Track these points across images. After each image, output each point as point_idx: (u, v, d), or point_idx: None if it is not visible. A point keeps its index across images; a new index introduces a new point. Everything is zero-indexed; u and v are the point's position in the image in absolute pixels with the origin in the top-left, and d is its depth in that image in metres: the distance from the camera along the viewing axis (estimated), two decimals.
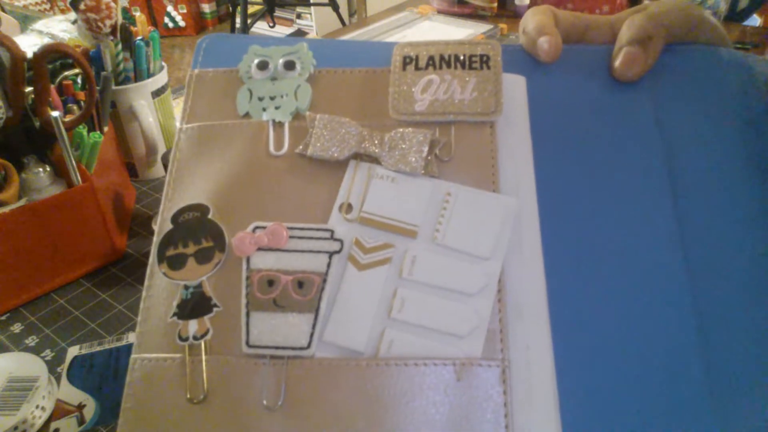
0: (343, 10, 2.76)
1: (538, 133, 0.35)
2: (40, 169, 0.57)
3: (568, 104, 0.36)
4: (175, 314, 0.31)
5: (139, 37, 0.72)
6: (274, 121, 0.35)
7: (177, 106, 0.89)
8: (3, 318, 0.56)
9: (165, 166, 0.72)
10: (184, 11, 3.28)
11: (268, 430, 0.28)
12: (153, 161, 0.78)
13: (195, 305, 0.31)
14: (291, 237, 0.32)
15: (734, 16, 1.29)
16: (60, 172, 0.59)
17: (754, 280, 0.32)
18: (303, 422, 0.28)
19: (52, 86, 0.60)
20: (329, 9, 2.49)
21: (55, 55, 0.66)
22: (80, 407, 0.46)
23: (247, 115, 0.36)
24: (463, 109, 0.34)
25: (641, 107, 0.35)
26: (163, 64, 0.77)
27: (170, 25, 3.31)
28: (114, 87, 0.70)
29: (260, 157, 0.34)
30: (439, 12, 1.35)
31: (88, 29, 0.67)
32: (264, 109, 0.35)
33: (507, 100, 0.34)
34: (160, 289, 0.32)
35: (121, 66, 0.72)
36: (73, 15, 0.72)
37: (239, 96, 0.36)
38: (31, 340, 0.54)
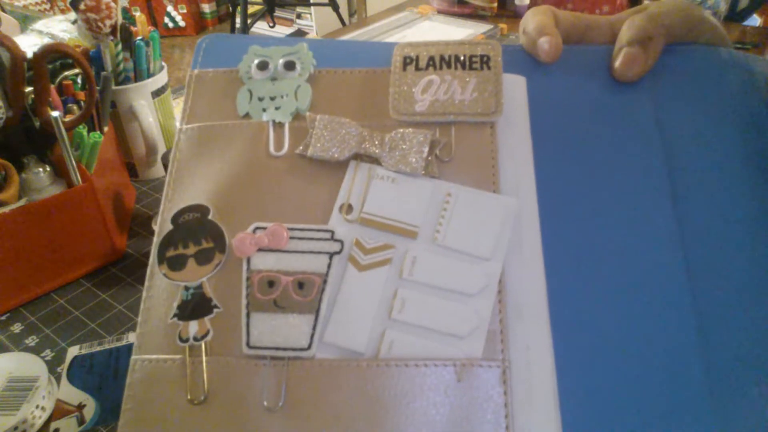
0: (343, 10, 2.76)
1: (538, 134, 0.35)
2: (40, 169, 0.57)
3: (569, 104, 0.36)
4: (175, 315, 0.31)
5: (139, 37, 0.72)
6: (274, 121, 0.35)
7: (177, 106, 0.89)
8: (3, 318, 0.56)
9: (165, 166, 0.72)
10: (184, 11, 3.28)
11: (268, 431, 0.28)
12: (153, 161, 0.78)
13: (195, 306, 0.31)
14: (291, 238, 0.32)
15: (734, 16, 1.29)
16: (60, 172, 0.59)
17: (754, 280, 0.32)
18: (303, 423, 0.28)
19: (52, 86, 0.60)
20: (329, 9, 2.49)
21: (55, 55, 0.66)
22: (80, 407, 0.46)
23: (247, 115, 0.36)
24: (463, 109, 0.34)
25: (641, 107, 0.35)
26: (163, 64, 0.77)
27: (170, 25, 3.31)
28: (114, 87, 0.70)
29: (260, 157, 0.34)
30: (439, 12, 1.35)
31: (88, 29, 0.67)
32: (264, 110, 0.35)
33: (507, 100, 0.34)
34: (160, 290, 0.32)
35: (121, 66, 0.72)
36: (73, 15, 0.72)
37: (239, 96, 0.36)
38: (31, 340, 0.54)
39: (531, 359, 0.30)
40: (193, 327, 0.30)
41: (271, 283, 0.31)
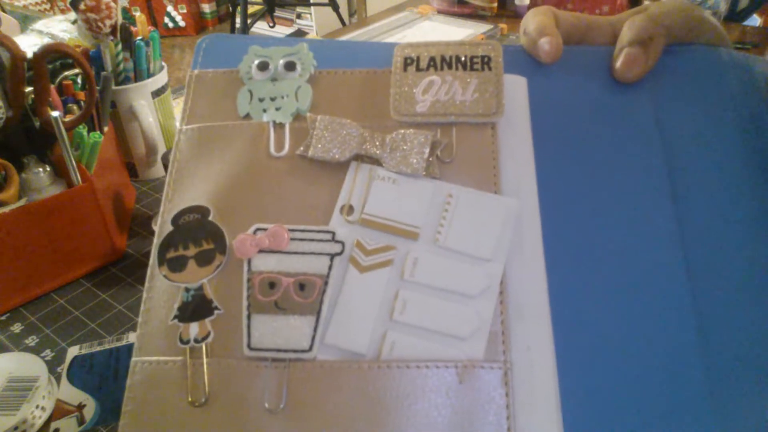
0: (343, 10, 2.76)
1: (538, 134, 0.35)
2: (40, 169, 0.57)
3: (569, 105, 0.36)
4: (175, 317, 0.31)
5: (139, 37, 0.72)
6: (274, 122, 0.35)
7: (177, 106, 0.89)
8: (3, 318, 0.56)
9: (165, 166, 0.72)
10: (184, 11, 3.28)
11: None
12: (153, 161, 0.78)
13: (196, 308, 0.31)
14: (292, 239, 0.31)
15: (734, 16, 1.29)
16: (60, 172, 0.59)
17: (754, 280, 0.32)
18: (305, 425, 0.28)
19: (52, 86, 0.60)
20: (329, 9, 2.49)
21: (55, 55, 0.66)
22: (80, 407, 0.46)
23: (247, 116, 0.35)
24: (464, 110, 0.34)
25: (641, 108, 0.35)
26: (163, 64, 0.77)
27: (170, 25, 3.31)
28: (114, 87, 0.69)
29: (261, 158, 0.34)
30: (439, 12, 1.35)
31: (88, 29, 0.67)
32: (264, 110, 0.35)
33: (508, 101, 0.34)
34: (160, 291, 0.32)
35: (121, 66, 0.71)
36: (73, 15, 0.72)
37: (239, 97, 0.36)
38: (31, 340, 0.54)
39: (532, 360, 0.30)
40: (193, 329, 0.30)
41: (272, 285, 0.31)
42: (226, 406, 0.29)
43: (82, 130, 0.59)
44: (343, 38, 1.22)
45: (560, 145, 0.35)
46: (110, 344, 0.51)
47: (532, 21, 0.37)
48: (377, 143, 0.34)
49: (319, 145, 0.34)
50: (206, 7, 3.38)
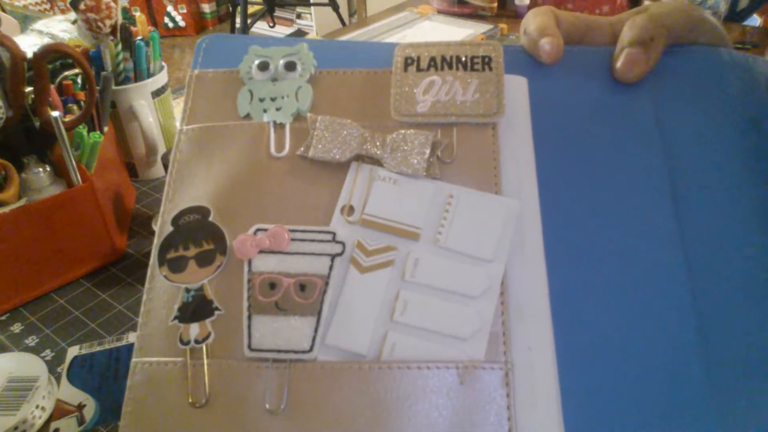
0: (343, 10, 2.76)
1: (539, 134, 0.35)
2: (40, 169, 0.57)
3: (570, 105, 0.36)
4: (176, 318, 0.31)
5: (139, 37, 0.72)
6: (275, 122, 0.35)
7: (177, 106, 0.89)
8: (3, 318, 0.56)
9: (165, 167, 0.72)
10: (184, 11, 3.28)
11: None
12: (153, 161, 0.78)
13: (196, 308, 0.31)
14: (293, 239, 0.31)
15: (734, 16, 1.29)
16: (60, 172, 0.59)
17: (754, 280, 0.32)
18: (305, 426, 0.28)
19: (52, 86, 0.60)
20: (329, 9, 2.49)
21: (55, 55, 0.65)
22: (80, 407, 0.46)
23: (247, 116, 0.35)
24: (465, 110, 0.34)
25: (642, 108, 0.35)
26: (163, 64, 0.77)
27: (170, 25, 3.31)
28: (114, 87, 0.69)
29: (261, 158, 0.34)
30: (439, 12, 1.35)
31: (88, 29, 0.66)
32: (265, 111, 0.35)
33: (509, 101, 0.34)
34: (160, 292, 0.32)
35: (121, 66, 0.71)
36: (73, 15, 0.72)
37: (240, 97, 0.36)
38: (31, 340, 0.54)
39: (533, 361, 0.29)
40: (194, 329, 0.30)
41: (272, 285, 0.31)
42: (227, 407, 0.29)
43: (82, 130, 0.59)
44: (343, 38, 1.22)
45: (561, 146, 0.35)
46: (110, 344, 0.51)
47: (532, 21, 0.37)
48: (378, 143, 0.34)
49: (320, 146, 0.33)
50: (206, 7, 3.38)
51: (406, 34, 1.20)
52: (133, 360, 0.30)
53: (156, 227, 0.33)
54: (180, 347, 0.30)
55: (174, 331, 0.30)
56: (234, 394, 0.29)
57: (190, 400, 0.29)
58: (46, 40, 0.82)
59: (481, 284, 0.31)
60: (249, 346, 0.30)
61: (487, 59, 0.35)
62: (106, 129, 0.67)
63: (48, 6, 3.26)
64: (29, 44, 0.76)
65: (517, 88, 0.35)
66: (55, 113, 0.54)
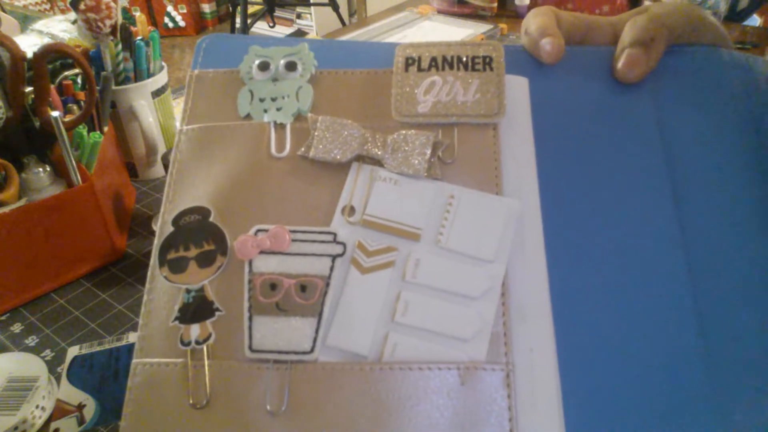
0: (343, 10, 2.76)
1: (540, 135, 0.35)
2: (40, 169, 0.57)
3: (570, 105, 0.36)
4: (176, 318, 0.31)
5: (139, 37, 0.72)
6: (275, 122, 0.35)
7: (177, 106, 0.88)
8: (3, 318, 0.56)
9: (165, 167, 0.72)
10: (184, 11, 3.28)
11: None
12: (153, 161, 0.78)
13: (197, 309, 0.31)
14: (293, 240, 0.31)
15: (734, 16, 1.29)
16: (60, 172, 0.59)
17: (754, 281, 0.32)
18: (306, 427, 0.28)
19: (52, 86, 0.60)
20: (329, 9, 2.49)
21: (55, 55, 0.65)
22: (80, 407, 0.45)
23: (248, 116, 0.35)
24: (466, 110, 0.34)
25: (643, 108, 0.35)
26: (163, 64, 0.77)
27: (170, 25, 3.31)
28: (114, 87, 0.69)
29: (262, 159, 0.34)
30: (439, 12, 1.35)
31: (88, 29, 0.66)
32: (265, 111, 0.35)
33: (510, 101, 0.34)
34: (161, 292, 0.32)
35: (121, 66, 0.71)
36: (73, 15, 0.72)
37: (240, 97, 0.36)
38: (31, 340, 0.53)
39: (534, 362, 0.29)
40: (194, 330, 0.30)
41: (273, 286, 0.31)
42: (228, 408, 0.29)
43: (82, 130, 0.59)
44: (344, 38, 1.22)
45: (562, 146, 0.34)
46: (110, 344, 0.51)
47: (533, 21, 0.37)
48: (379, 144, 0.33)
49: (321, 146, 0.33)
50: (206, 7, 3.38)
51: (406, 34, 1.20)
52: (134, 361, 0.30)
53: (156, 227, 0.33)
54: (181, 348, 0.30)
55: (174, 332, 0.30)
56: (235, 395, 0.29)
57: (191, 401, 0.29)
58: (46, 40, 0.82)
59: (482, 285, 0.31)
60: (250, 347, 0.30)
61: (488, 59, 0.35)
62: (106, 129, 0.67)
63: (48, 6, 3.26)
64: (29, 44, 0.76)
65: (517, 88, 0.35)
66: (55, 113, 0.54)
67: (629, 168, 0.34)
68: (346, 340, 0.30)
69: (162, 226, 0.33)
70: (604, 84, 0.36)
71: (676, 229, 0.32)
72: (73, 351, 0.50)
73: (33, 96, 0.57)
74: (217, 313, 0.30)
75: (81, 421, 0.44)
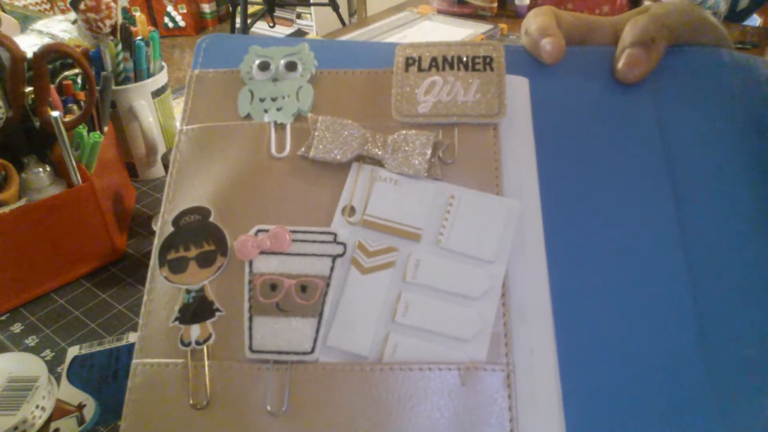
0: (343, 10, 2.76)
1: (540, 135, 0.35)
2: (40, 169, 0.57)
3: (571, 105, 0.36)
4: (176, 319, 0.31)
5: (139, 37, 0.72)
6: (275, 122, 0.35)
7: (177, 106, 0.88)
8: (3, 318, 0.56)
9: (165, 167, 0.72)
10: (184, 11, 3.28)
11: None
12: (153, 161, 0.78)
13: (197, 309, 0.31)
14: (294, 240, 0.31)
15: (734, 16, 1.29)
16: (60, 172, 0.59)
17: (754, 281, 0.32)
18: (306, 427, 0.28)
19: (52, 86, 0.60)
20: (329, 9, 2.49)
21: (55, 55, 0.65)
22: (80, 407, 0.46)
23: (248, 116, 0.35)
24: (466, 111, 0.34)
25: (643, 108, 0.35)
26: (163, 64, 0.77)
27: (170, 25, 3.31)
28: (114, 87, 0.69)
29: (262, 159, 0.34)
30: (439, 12, 1.35)
31: (88, 29, 0.66)
32: (265, 111, 0.35)
33: (510, 101, 0.34)
34: (161, 293, 0.32)
35: (121, 66, 0.71)
36: (73, 15, 0.72)
37: (240, 97, 0.36)
38: (31, 340, 0.54)
39: (535, 362, 0.29)
40: (194, 331, 0.30)
41: (273, 287, 0.31)
42: (228, 408, 0.29)
43: (82, 130, 0.59)
44: (344, 38, 1.22)
45: (562, 146, 0.34)
46: (110, 344, 0.51)
47: (533, 21, 0.37)
48: (379, 144, 0.33)
49: (321, 146, 0.33)
50: (206, 7, 3.38)
51: (406, 34, 1.20)
52: (134, 361, 0.30)
53: (156, 227, 0.33)
54: (181, 348, 0.30)
55: (175, 333, 0.30)
56: (235, 396, 0.29)
57: (191, 402, 0.29)
58: (46, 40, 0.82)
59: (482, 285, 0.31)
60: (250, 348, 0.30)
61: (488, 59, 0.35)
62: (106, 129, 0.67)
63: (48, 6, 3.26)
64: (29, 44, 0.76)
65: (518, 88, 0.35)
66: (55, 113, 0.54)
67: (629, 168, 0.34)
68: (347, 340, 0.30)
69: (162, 226, 0.33)
70: (604, 84, 0.36)
71: (676, 229, 0.32)
72: (73, 351, 0.50)
73: (33, 96, 0.57)
74: (217, 314, 0.30)
75: (81, 421, 0.44)
